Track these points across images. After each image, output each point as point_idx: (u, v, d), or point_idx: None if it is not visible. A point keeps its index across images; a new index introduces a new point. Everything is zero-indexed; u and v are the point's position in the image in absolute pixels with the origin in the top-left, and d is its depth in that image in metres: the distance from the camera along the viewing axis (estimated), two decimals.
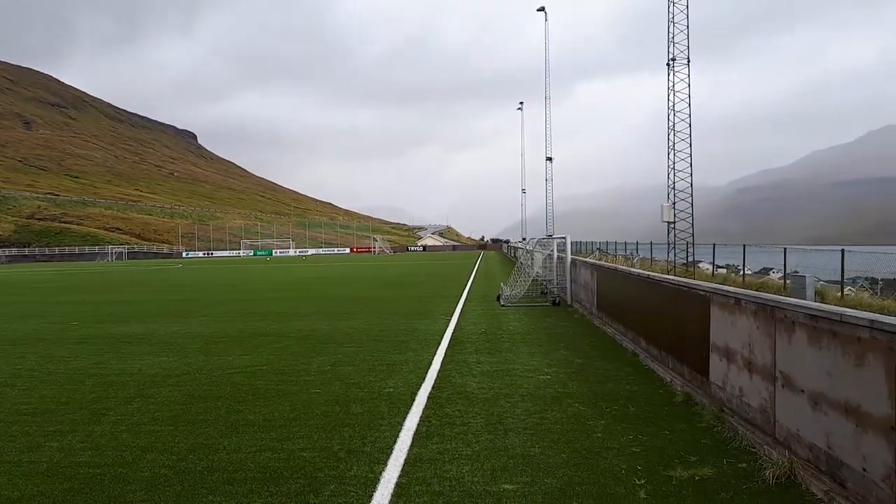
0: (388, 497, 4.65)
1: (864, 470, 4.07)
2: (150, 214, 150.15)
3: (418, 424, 6.42)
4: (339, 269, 48.57)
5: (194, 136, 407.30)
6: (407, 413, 6.84)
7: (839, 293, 19.75)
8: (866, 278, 23.52)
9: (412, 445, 5.77)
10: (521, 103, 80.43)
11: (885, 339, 3.88)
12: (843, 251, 20.50)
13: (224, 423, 6.65)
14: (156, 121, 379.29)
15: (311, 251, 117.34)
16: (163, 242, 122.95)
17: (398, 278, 34.29)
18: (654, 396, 7.51)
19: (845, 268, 20.65)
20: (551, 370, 9.07)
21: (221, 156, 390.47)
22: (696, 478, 4.92)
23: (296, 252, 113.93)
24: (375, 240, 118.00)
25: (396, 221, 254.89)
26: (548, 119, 63.08)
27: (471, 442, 5.85)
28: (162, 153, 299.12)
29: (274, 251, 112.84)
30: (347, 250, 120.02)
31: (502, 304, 18.34)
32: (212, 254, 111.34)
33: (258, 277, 38.03)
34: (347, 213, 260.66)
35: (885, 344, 3.89)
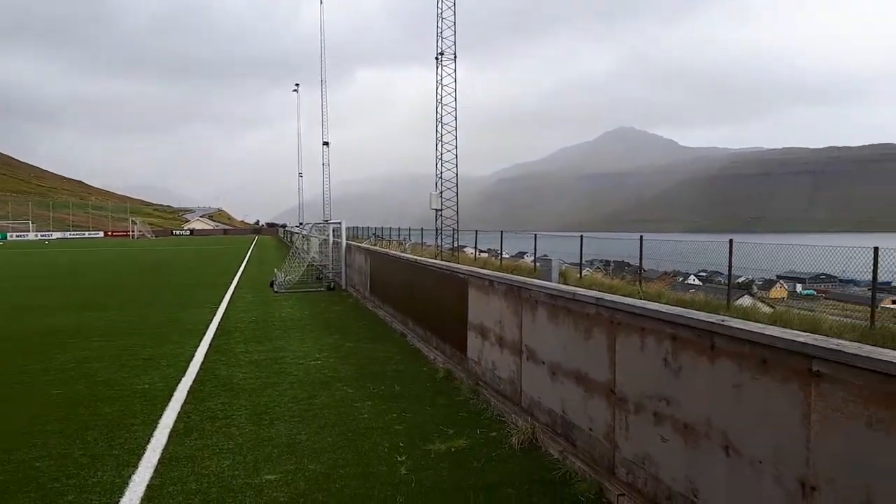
0: (138, 501, 4.31)
1: (591, 429, 4.65)
2: None
3: (176, 421, 6.02)
4: (91, 255, 43.64)
5: None
6: (164, 410, 6.38)
7: (579, 274, 22.29)
8: (601, 260, 26.98)
9: (168, 444, 5.40)
10: (297, 85, 78.46)
11: (607, 314, 4.46)
12: (581, 237, 23.19)
13: None
14: None
15: (57, 235, 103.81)
16: None
17: (160, 265, 31.80)
18: (418, 374, 7.87)
19: (585, 252, 23.40)
20: (322, 355, 9.06)
21: None
22: (452, 449, 5.25)
23: (37, 236, 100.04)
24: (135, 223, 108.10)
25: (160, 203, 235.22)
26: (324, 103, 62.54)
27: (233, 435, 5.64)
28: None
29: (8, 235, 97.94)
30: (101, 234, 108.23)
31: (276, 290, 17.89)
32: None
33: None
34: (102, 192, 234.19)
35: (607, 318, 4.47)
